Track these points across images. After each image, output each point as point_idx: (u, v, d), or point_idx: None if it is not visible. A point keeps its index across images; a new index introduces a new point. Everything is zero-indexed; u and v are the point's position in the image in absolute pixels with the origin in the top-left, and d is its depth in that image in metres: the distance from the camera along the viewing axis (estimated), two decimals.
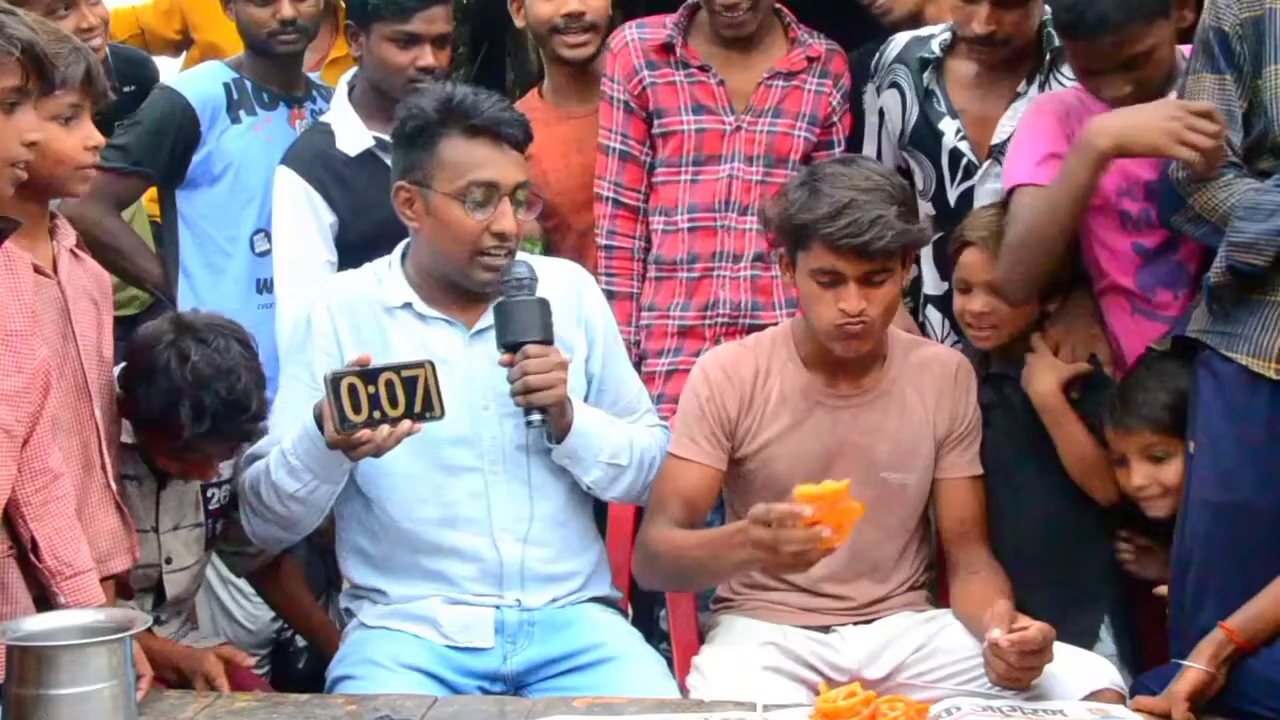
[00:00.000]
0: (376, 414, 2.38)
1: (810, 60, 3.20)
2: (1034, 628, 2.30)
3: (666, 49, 3.21)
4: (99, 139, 2.37)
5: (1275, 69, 2.43)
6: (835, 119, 3.22)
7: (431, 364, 2.41)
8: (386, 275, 2.65)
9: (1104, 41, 2.56)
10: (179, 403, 2.44)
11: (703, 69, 3.19)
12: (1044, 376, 2.68)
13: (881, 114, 3.18)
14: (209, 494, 2.71)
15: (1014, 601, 2.48)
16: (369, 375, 2.38)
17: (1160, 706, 2.22)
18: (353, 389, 2.36)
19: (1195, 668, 2.23)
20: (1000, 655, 2.30)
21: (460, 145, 2.52)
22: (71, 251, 2.42)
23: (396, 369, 2.40)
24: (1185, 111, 2.44)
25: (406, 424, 2.39)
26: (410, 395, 2.39)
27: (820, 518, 2.19)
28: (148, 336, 2.52)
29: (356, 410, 2.37)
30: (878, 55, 3.18)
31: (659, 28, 3.23)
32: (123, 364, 2.54)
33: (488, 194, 2.51)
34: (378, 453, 2.41)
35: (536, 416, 2.48)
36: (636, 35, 3.24)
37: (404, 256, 2.67)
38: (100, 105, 2.38)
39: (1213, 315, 2.45)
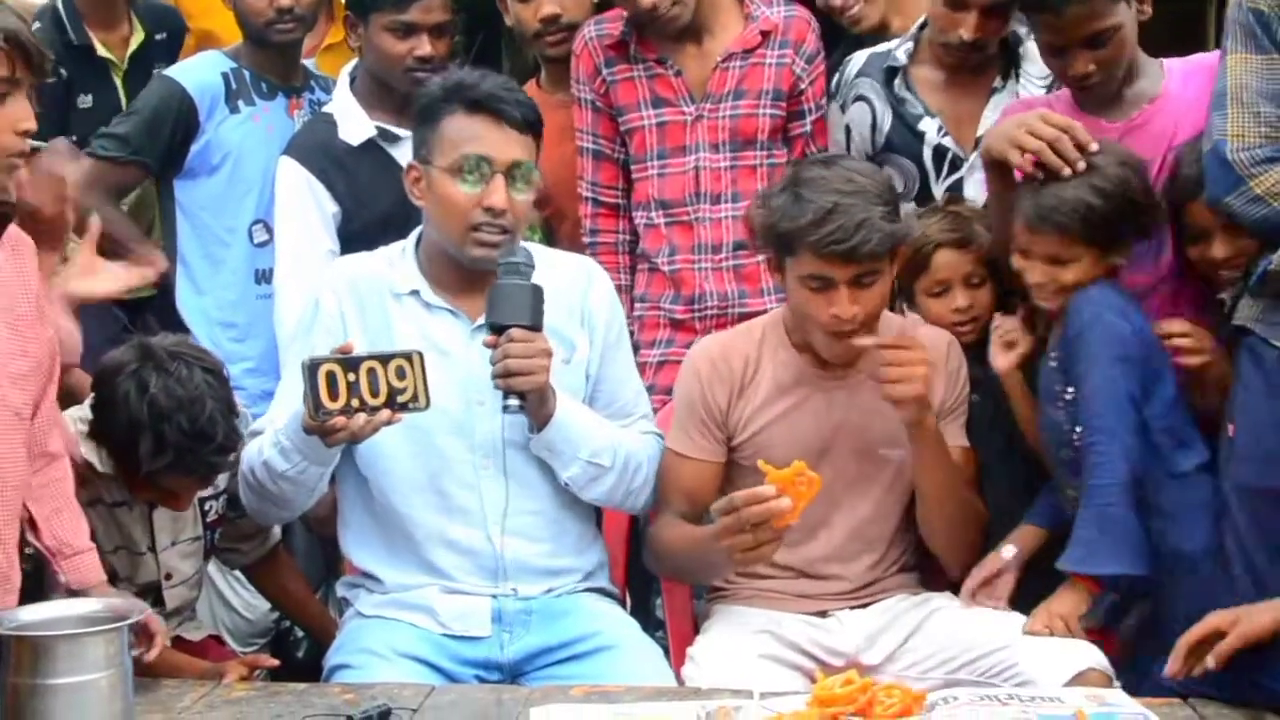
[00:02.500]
0: (355, 402, 2.37)
1: (765, 34, 3.16)
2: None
3: (622, 45, 3.19)
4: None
5: None
6: (803, 86, 3.16)
7: (420, 354, 2.41)
8: (399, 261, 2.66)
9: (1073, 12, 2.63)
10: (139, 435, 2.40)
11: (659, 61, 3.17)
12: (1005, 356, 2.72)
13: (848, 130, 3.17)
14: (206, 506, 2.69)
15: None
16: (349, 363, 2.38)
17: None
18: (331, 376, 2.36)
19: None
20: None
21: (461, 121, 2.54)
22: None
23: (381, 358, 2.40)
24: (1038, 120, 2.57)
25: (386, 413, 2.39)
26: (392, 385, 2.39)
27: (782, 492, 2.23)
28: (112, 365, 2.46)
29: (334, 397, 2.36)
30: (838, 74, 3.20)
31: (616, 22, 3.21)
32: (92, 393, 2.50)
33: (480, 168, 2.52)
34: (354, 440, 2.42)
35: (514, 401, 2.47)
36: (594, 33, 3.22)
37: (418, 243, 2.68)
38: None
39: (1257, 301, 2.42)
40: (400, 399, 2.40)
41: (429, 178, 2.57)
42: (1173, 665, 2.20)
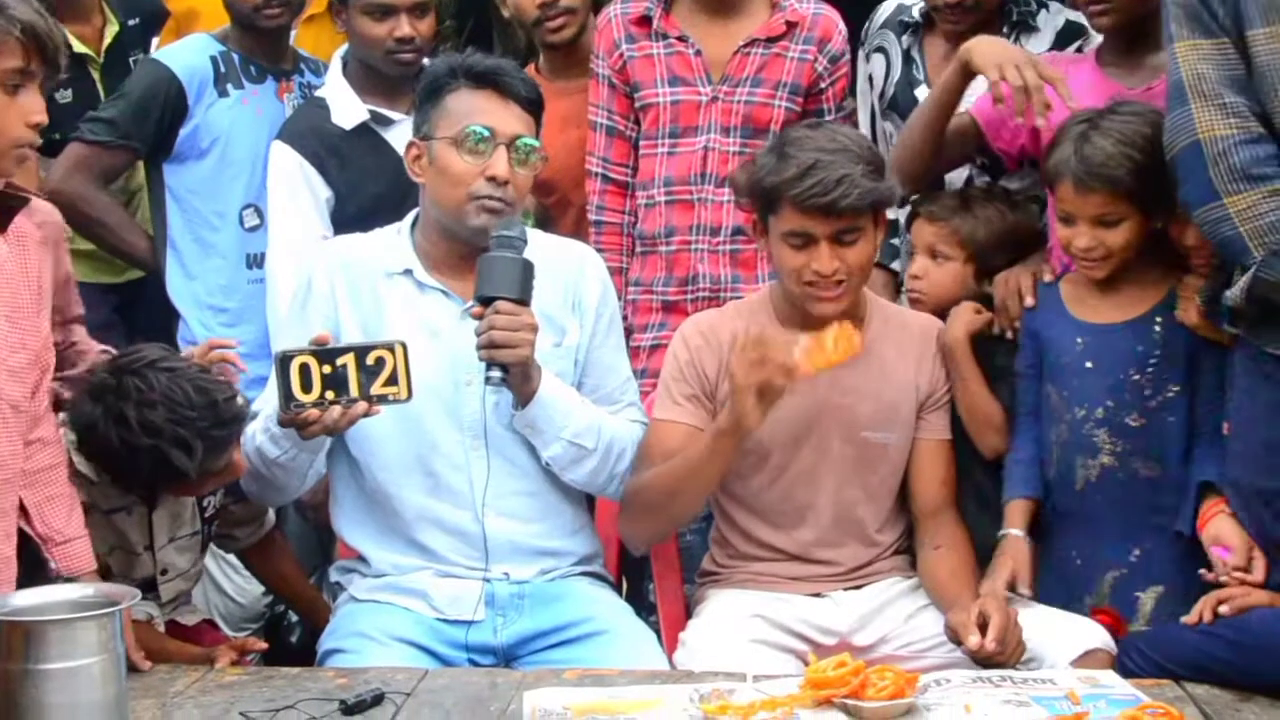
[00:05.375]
0: (329, 394, 2.37)
1: (791, 25, 3.16)
2: (993, 619, 2.32)
3: (645, 21, 3.20)
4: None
5: (1267, 32, 2.28)
6: (823, 85, 3.18)
7: (403, 344, 2.40)
8: (394, 241, 2.66)
9: None
10: (165, 457, 2.36)
11: (681, 39, 3.18)
12: (957, 323, 2.73)
13: (871, 80, 3.20)
14: (205, 502, 2.68)
15: (976, 575, 2.57)
16: (325, 355, 2.37)
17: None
18: (304, 368, 2.35)
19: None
20: (984, 657, 2.32)
21: (465, 96, 2.56)
22: None
23: (359, 349, 2.39)
24: (1035, 63, 2.62)
25: (362, 406, 2.39)
26: (372, 376, 2.38)
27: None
28: (82, 421, 2.39)
29: (306, 390, 2.36)
30: (869, 22, 3.22)
31: (641, 1, 3.22)
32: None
33: (484, 139, 2.53)
34: (330, 433, 2.43)
35: (496, 374, 2.45)
36: (619, 10, 3.24)
37: (414, 224, 2.67)
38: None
39: (1235, 328, 2.40)
40: (379, 390, 2.39)
41: (431, 152, 2.57)
42: (1207, 616, 2.33)
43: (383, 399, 2.40)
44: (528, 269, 2.48)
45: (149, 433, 2.35)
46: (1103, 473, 2.61)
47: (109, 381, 2.40)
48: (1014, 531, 2.62)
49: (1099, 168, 2.52)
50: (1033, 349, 2.69)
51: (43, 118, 2.11)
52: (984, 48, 2.68)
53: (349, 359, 2.38)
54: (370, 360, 2.39)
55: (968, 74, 2.71)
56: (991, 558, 2.60)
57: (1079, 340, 2.64)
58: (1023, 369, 2.70)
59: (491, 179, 2.53)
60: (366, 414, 2.40)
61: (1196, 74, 2.32)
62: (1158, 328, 2.59)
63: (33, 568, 2.25)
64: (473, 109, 2.55)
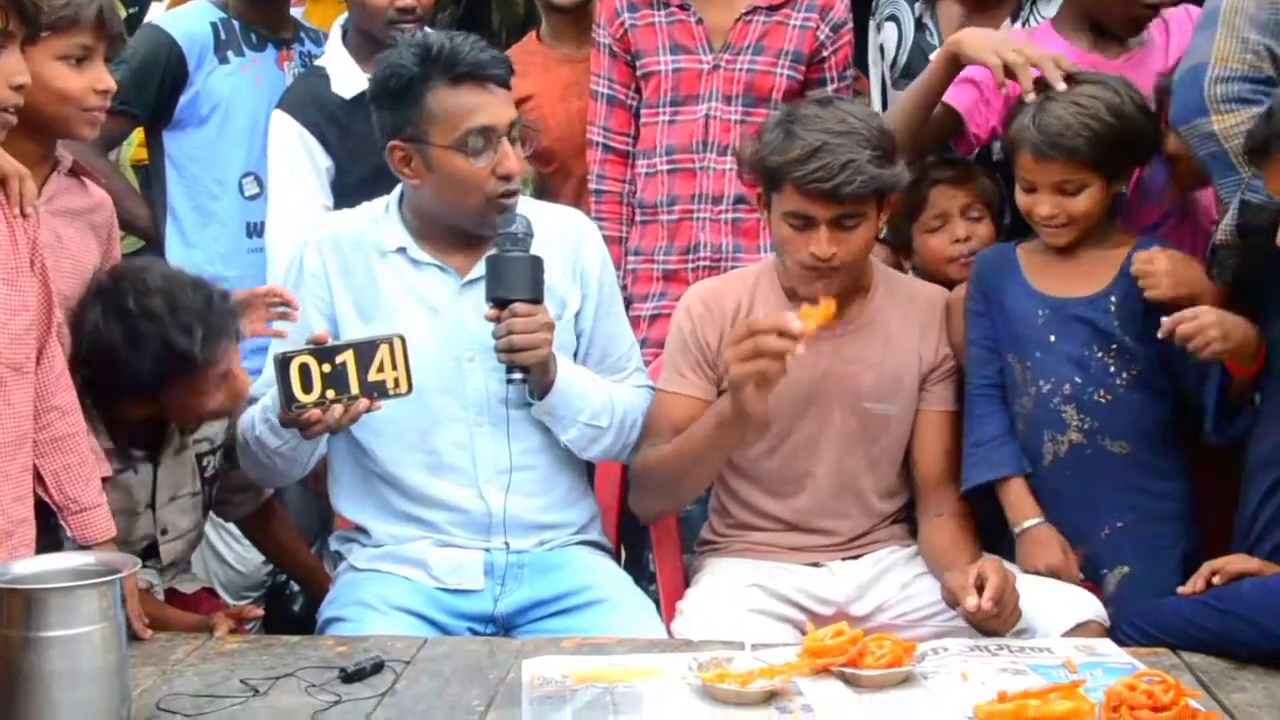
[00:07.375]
0: (330, 393, 2.37)
1: None
2: (991, 579, 2.30)
3: None
4: (109, 83, 2.36)
5: None
6: (825, 54, 3.16)
7: (401, 338, 2.41)
8: (383, 218, 2.64)
9: None
10: (171, 341, 2.36)
11: (682, 7, 3.17)
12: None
13: (882, 50, 3.18)
14: (204, 462, 2.68)
15: (976, 543, 2.57)
16: (324, 354, 2.37)
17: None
18: (304, 369, 2.35)
19: None
20: (982, 620, 2.31)
21: (448, 95, 2.50)
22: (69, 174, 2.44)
23: (358, 346, 2.39)
24: (1029, 42, 2.63)
25: (364, 403, 2.39)
26: (374, 371, 2.38)
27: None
28: (84, 327, 2.38)
29: (307, 390, 2.36)
30: None
31: None
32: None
33: (487, 139, 2.50)
34: (333, 431, 2.43)
35: (518, 375, 2.47)
36: None
37: (401, 199, 2.66)
38: (114, 49, 2.39)
39: (1217, 278, 2.42)
40: (381, 385, 2.39)
41: (426, 157, 2.52)
42: (1200, 586, 2.31)
43: (384, 394, 2.40)
44: (537, 265, 2.47)
45: (149, 318, 2.36)
46: (1071, 449, 2.59)
47: (107, 284, 2.42)
48: (1032, 521, 2.56)
49: (1056, 137, 2.50)
50: (988, 320, 2.64)
51: (25, 79, 2.10)
52: (975, 39, 2.67)
53: (348, 356, 2.38)
54: (370, 355, 2.38)
55: (956, 66, 2.69)
56: (998, 547, 2.59)
57: (1040, 313, 2.61)
58: (976, 338, 2.65)
59: (505, 176, 2.51)
60: (368, 410, 2.41)
61: (1234, 6, 2.39)
62: (1113, 306, 2.56)
63: (54, 535, 2.26)
64: (463, 108, 2.49)
